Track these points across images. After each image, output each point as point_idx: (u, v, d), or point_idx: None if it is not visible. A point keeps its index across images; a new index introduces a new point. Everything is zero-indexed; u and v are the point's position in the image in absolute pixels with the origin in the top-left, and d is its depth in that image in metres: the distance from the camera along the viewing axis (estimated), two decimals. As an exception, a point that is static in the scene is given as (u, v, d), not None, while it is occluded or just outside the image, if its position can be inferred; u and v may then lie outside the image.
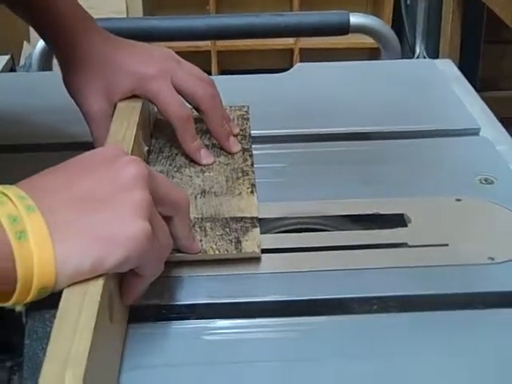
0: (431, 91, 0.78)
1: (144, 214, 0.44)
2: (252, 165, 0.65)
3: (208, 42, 2.36)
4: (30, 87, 0.84)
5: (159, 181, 0.47)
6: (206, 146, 0.66)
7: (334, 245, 0.56)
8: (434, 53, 2.09)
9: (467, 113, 0.75)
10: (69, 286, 0.41)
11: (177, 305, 0.51)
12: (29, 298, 0.41)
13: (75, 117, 0.66)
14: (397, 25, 2.23)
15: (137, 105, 0.64)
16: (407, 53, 2.17)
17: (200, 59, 2.11)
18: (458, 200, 0.62)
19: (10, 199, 0.41)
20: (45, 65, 1.04)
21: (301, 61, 2.39)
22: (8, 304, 0.41)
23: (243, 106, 0.74)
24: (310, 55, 2.31)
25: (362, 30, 1.07)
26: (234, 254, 0.53)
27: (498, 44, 2.04)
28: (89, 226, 0.42)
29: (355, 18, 1.05)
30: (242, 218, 0.56)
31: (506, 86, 2.07)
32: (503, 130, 0.75)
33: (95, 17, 1.01)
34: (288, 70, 0.87)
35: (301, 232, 0.58)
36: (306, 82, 0.83)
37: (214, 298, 0.51)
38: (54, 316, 0.40)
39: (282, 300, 0.51)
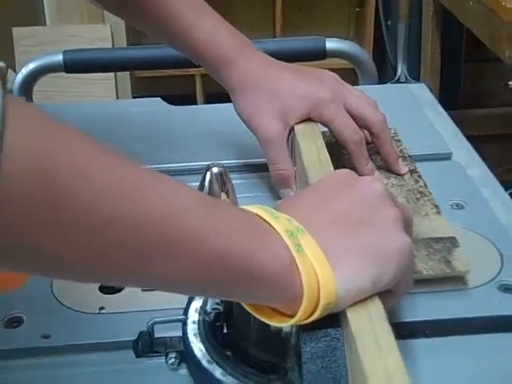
0: (404, 116, 0.79)
1: (401, 228, 0.45)
2: (426, 186, 0.66)
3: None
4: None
5: (394, 197, 0.48)
6: None
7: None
8: (415, 73, 2.11)
9: (439, 137, 0.76)
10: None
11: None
12: (315, 315, 0.40)
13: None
14: (379, 46, 2.25)
15: (315, 127, 0.65)
16: (390, 73, 2.19)
17: (185, 83, 2.13)
18: (430, 226, 0.62)
19: None
20: (26, 96, 1.05)
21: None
22: (291, 322, 0.41)
23: (390, 128, 0.74)
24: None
25: (338, 54, 1.08)
26: (447, 273, 0.54)
27: (477, 62, 2.06)
28: (357, 245, 0.43)
29: (331, 44, 1.06)
30: (440, 239, 0.58)
31: (487, 104, 2.09)
32: (475, 153, 0.76)
33: (80, 45, 1.02)
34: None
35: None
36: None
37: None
38: (326, 334, 0.41)
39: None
